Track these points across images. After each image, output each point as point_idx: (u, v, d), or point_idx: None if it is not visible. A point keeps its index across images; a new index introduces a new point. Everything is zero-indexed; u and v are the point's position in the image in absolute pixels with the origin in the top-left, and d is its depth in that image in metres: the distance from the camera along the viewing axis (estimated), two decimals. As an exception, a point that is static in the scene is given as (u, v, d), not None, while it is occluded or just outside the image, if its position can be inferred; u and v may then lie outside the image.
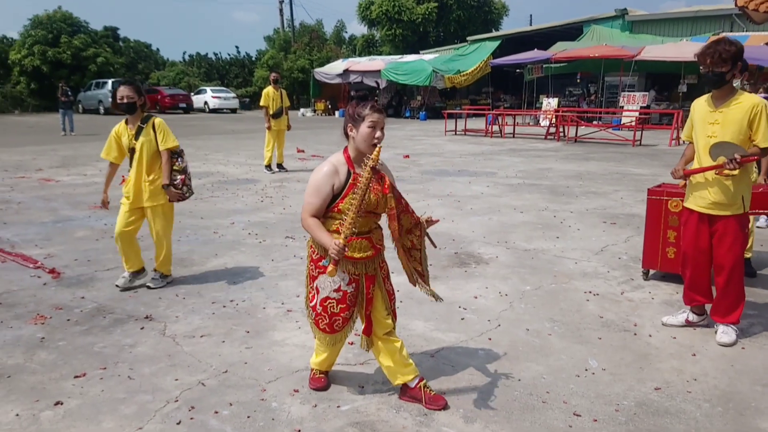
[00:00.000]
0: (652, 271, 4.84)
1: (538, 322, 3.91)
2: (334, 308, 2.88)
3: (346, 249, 2.67)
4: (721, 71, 3.48)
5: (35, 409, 2.89)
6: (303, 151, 14.10)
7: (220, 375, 3.23)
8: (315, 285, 2.91)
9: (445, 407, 2.89)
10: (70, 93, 20.15)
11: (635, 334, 3.75)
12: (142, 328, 3.83)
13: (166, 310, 4.15)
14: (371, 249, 2.90)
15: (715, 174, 3.59)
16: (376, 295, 2.95)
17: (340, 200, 2.78)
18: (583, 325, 3.87)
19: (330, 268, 2.62)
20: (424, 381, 2.97)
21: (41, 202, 7.94)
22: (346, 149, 2.90)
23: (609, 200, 8.01)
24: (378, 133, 2.78)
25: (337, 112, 32.91)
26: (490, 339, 3.65)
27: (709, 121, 3.60)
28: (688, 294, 3.87)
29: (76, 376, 3.20)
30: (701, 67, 3.57)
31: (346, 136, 2.88)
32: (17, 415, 2.83)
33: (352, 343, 3.59)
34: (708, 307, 3.85)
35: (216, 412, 2.85)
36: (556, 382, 3.14)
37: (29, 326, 3.87)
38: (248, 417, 2.82)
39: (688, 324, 3.88)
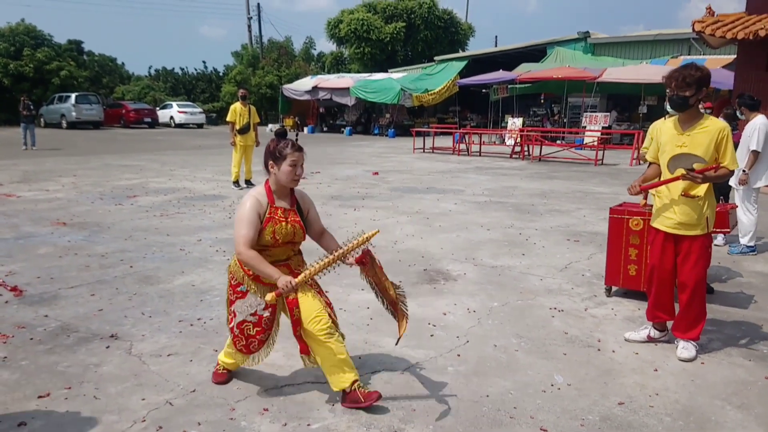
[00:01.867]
0: (614, 288, 4.97)
1: (505, 338, 3.98)
2: (250, 331, 3.08)
3: (295, 289, 2.93)
4: (685, 95, 3.62)
5: (-4, 431, 2.82)
6: (271, 168, 14.03)
7: (188, 394, 3.20)
8: (233, 309, 3.11)
9: (379, 398, 3.02)
10: (32, 107, 19.72)
11: (599, 350, 3.85)
12: (107, 347, 3.77)
13: (132, 329, 4.09)
14: (290, 275, 3.01)
15: (681, 195, 3.72)
16: (303, 304, 3.05)
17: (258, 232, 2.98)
18: (548, 341, 3.95)
19: (270, 296, 2.91)
20: (358, 382, 3.06)
21: (2, 218, 7.75)
22: (267, 182, 3.12)
23: (572, 218, 8.20)
24: (299, 170, 3.07)
25: (306, 128, 32.91)
26: (459, 355, 3.70)
27: (677, 144, 3.73)
28: (652, 311, 3.99)
29: (39, 396, 3.14)
30: (667, 90, 3.72)
31: (267, 171, 3.10)
32: (-23, 437, 2.76)
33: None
34: (670, 323, 3.98)
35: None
36: (523, 397, 3.20)
37: (-11, 346, 3.78)
38: (217, 436, 2.80)
39: (650, 340, 3.99)
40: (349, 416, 2.99)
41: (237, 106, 10.93)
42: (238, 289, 3.08)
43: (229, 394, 3.21)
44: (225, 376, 3.36)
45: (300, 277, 2.93)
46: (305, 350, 3.10)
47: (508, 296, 4.84)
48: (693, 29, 12.82)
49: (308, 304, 3.05)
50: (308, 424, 2.92)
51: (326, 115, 34.87)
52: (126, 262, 5.73)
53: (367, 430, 2.87)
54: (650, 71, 21.43)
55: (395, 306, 3.17)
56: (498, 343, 3.90)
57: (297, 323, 3.04)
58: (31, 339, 3.90)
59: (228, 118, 11.00)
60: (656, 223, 3.92)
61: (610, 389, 3.33)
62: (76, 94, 31.97)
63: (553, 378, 3.43)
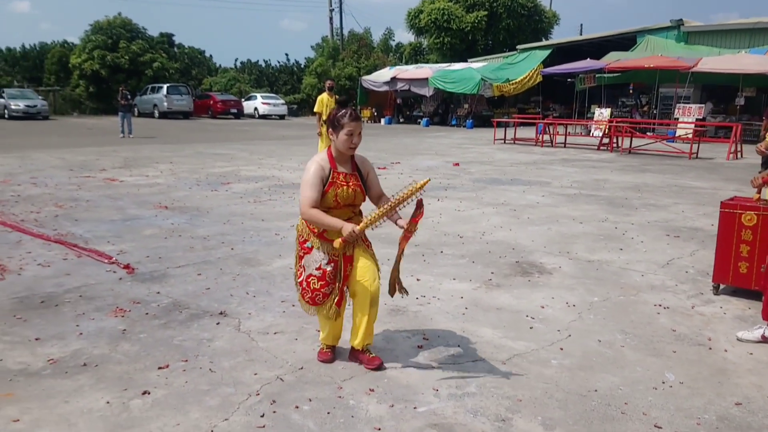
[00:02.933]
0: (722, 286, 4.73)
1: (610, 334, 3.87)
2: (315, 284, 3.29)
3: (359, 236, 3.19)
4: None
5: (124, 397, 3.01)
6: (354, 157, 14.22)
7: (296, 371, 3.31)
8: (301, 264, 3.35)
9: (380, 367, 3.33)
10: (129, 97, 20.86)
11: (710, 349, 3.68)
12: (217, 324, 3.96)
13: (238, 307, 4.27)
14: None
15: None
16: (358, 265, 3.32)
17: (322, 195, 3.22)
18: (655, 338, 3.82)
19: (337, 242, 3.15)
20: (370, 346, 3.45)
21: (108, 201, 8.25)
22: (329, 149, 3.32)
23: (670, 213, 7.85)
24: (355, 139, 3.20)
25: (383, 120, 33.09)
26: (561, 349, 3.63)
27: None
28: (766, 308, 3.78)
29: (159, 368, 3.33)
30: None
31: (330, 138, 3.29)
32: (108, 402, 2.96)
33: (420, 347, 3.63)
34: (788, 324, 3.75)
35: (297, 407, 2.93)
36: (634, 393, 3.11)
37: (110, 318, 4.04)
38: (328, 413, 2.88)
39: (765, 340, 3.78)
40: (454, 402, 3.00)
41: (324, 97, 11.13)
42: (305, 245, 3.32)
43: (335, 373, 3.29)
44: (329, 355, 3.47)
45: (362, 224, 3.16)
46: (340, 303, 3.37)
47: (608, 291, 4.70)
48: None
49: (366, 268, 3.32)
50: (414, 407, 2.96)
51: (403, 106, 34.91)
52: (227, 244, 5.98)
53: (473, 417, 2.88)
54: (749, 61, 20.18)
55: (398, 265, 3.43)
56: (602, 338, 3.80)
57: (346, 279, 3.33)
58: (147, 314, 4.14)
59: (315, 109, 11.22)
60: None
61: (725, 389, 3.18)
62: (168, 85, 33.53)
63: (664, 375, 3.31)
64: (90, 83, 37.36)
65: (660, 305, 4.42)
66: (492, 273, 5.17)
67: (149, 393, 3.05)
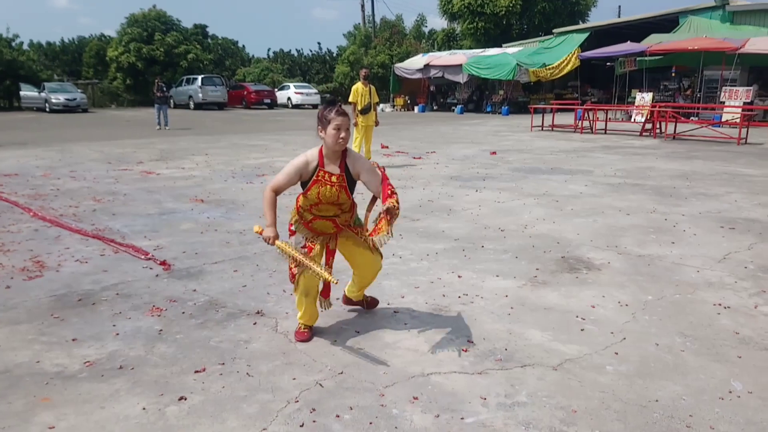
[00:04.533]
0: (786, 284, 4.42)
1: (668, 337, 3.63)
2: (291, 264, 3.53)
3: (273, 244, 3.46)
4: None
5: (160, 403, 2.92)
6: (387, 147, 14.07)
7: (336, 376, 3.17)
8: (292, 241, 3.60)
9: (374, 304, 4.07)
10: (165, 89, 21.04)
11: (778, 354, 3.42)
12: (254, 324, 3.85)
13: (275, 306, 4.16)
14: (333, 229, 3.54)
15: None
16: (350, 249, 3.66)
17: (306, 190, 3.37)
18: (718, 342, 3.56)
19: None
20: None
21: (145, 194, 8.26)
22: (321, 147, 3.39)
23: (722, 203, 7.48)
24: (342, 134, 3.27)
25: (416, 108, 32.77)
26: (616, 353, 3.41)
27: None
28: (842, 312, 3.49)
29: (196, 371, 3.23)
30: None
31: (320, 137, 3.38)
32: (144, 408, 2.87)
33: (465, 350, 3.46)
34: None
35: (337, 416, 2.79)
36: (698, 404, 2.88)
37: (147, 318, 3.97)
38: (370, 423, 2.74)
39: (840, 345, 3.50)
40: (504, 413, 2.83)
41: (359, 87, 10.95)
42: (291, 227, 3.62)
43: (376, 378, 3.14)
44: (306, 335, 3.61)
45: (278, 243, 3.42)
46: (326, 294, 3.67)
47: (663, 289, 4.44)
48: None
49: (366, 266, 3.72)
50: (462, 418, 2.79)
51: (437, 94, 34.51)
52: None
53: (525, 429, 2.70)
54: (802, 40, 19.25)
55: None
56: (660, 341, 3.56)
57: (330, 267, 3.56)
58: (183, 313, 4.06)
59: (350, 99, 11.04)
60: None
61: (799, 401, 2.93)
62: (202, 76, 33.83)
63: (731, 384, 3.07)
64: (127, 76, 37.92)
65: (720, 304, 4.15)
66: (537, 269, 4.95)
67: (185, 399, 2.96)
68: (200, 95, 32.67)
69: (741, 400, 2.92)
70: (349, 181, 3.40)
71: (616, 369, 3.23)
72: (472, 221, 6.63)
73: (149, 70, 36.51)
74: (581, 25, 33.21)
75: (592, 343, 3.56)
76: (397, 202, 3.28)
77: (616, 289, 4.46)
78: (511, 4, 37.30)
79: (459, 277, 4.76)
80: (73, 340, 3.62)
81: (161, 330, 3.78)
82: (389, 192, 3.29)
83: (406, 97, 34.35)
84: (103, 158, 12.20)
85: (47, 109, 30.46)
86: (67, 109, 30.44)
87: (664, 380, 3.11)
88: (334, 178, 3.34)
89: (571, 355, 3.40)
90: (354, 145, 11.00)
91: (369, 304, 4.06)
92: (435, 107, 33.55)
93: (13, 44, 36.02)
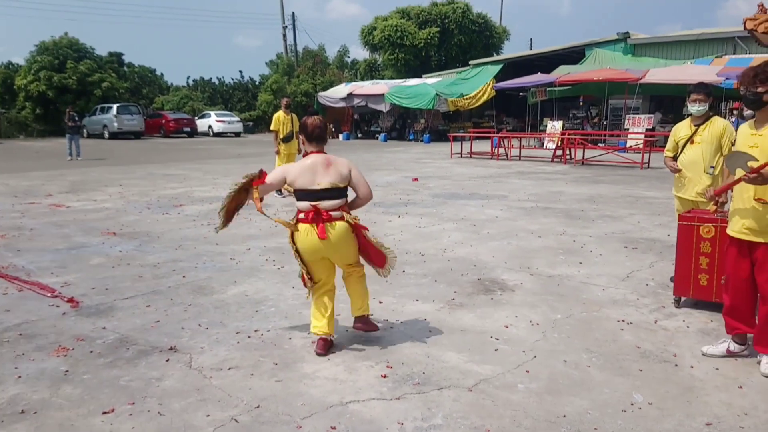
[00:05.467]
0: (683, 299, 4.73)
1: (575, 353, 3.80)
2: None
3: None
4: (757, 91, 3.45)
5: (64, 448, 2.77)
6: (311, 175, 14.04)
7: (252, 410, 3.12)
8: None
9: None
10: (77, 118, 20.21)
11: (676, 365, 3.64)
12: (167, 360, 3.73)
13: (190, 341, 4.05)
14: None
15: (754, 199, 3.52)
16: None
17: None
18: (621, 356, 3.76)
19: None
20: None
21: (53, 229, 7.86)
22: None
23: (626, 224, 7.93)
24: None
25: (341, 135, 33.00)
26: (527, 371, 3.54)
27: (749, 144, 3.55)
28: (729, 322, 3.77)
29: (104, 412, 3.09)
30: (741, 88, 3.55)
31: None
32: (46, 454, 2.72)
33: (384, 376, 3.48)
34: (750, 336, 3.75)
35: (253, 451, 2.74)
36: (603, 417, 3.02)
37: (52, 358, 3.77)
38: (287, 456, 2.71)
39: (729, 354, 3.77)
40: (420, 436, 2.87)
41: (280, 115, 10.95)
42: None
43: (293, 411, 3.11)
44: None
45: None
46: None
47: (571, 308, 4.65)
48: (744, 27, 12.33)
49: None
50: (379, 444, 2.80)
51: (361, 122, 34.91)
52: (178, 272, 5.72)
53: (441, 452, 2.74)
54: (695, 71, 20.83)
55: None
56: (568, 358, 3.72)
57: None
58: (91, 352, 3.88)
59: (272, 127, 11.02)
60: (728, 229, 3.73)
61: (694, 408, 3.13)
62: (118, 105, 32.70)
63: (632, 396, 3.24)
64: (37, 105, 36.09)
65: (623, 320, 4.38)
66: (455, 292, 5.07)
67: (92, 442, 2.82)
68: (115, 124, 31.54)
69: (642, 412, 3.09)
70: None
71: (527, 387, 3.35)
72: (394, 246, 6.64)
73: (61, 99, 34.90)
74: (496, 57, 34.68)
75: (505, 362, 3.67)
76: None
77: (528, 308, 4.64)
78: (429, 37, 38.48)
79: (380, 303, 4.81)
80: (-32, 386, 3.39)
81: (67, 371, 3.60)
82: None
83: (331, 126, 34.50)
84: (8, 192, 11.53)
85: (-54, 140, 28.50)
86: (-31, 139, 28.58)
87: (571, 396, 3.25)
88: None
89: (485, 375, 3.49)
90: (275, 174, 10.93)
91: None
92: (359, 135, 33.88)
93: None
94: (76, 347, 3.95)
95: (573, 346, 3.92)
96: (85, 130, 32.27)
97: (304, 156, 3.91)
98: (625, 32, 26.83)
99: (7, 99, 37.90)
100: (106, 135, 31.85)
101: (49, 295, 5.03)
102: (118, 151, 23.18)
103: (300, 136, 3.87)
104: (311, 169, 3.70)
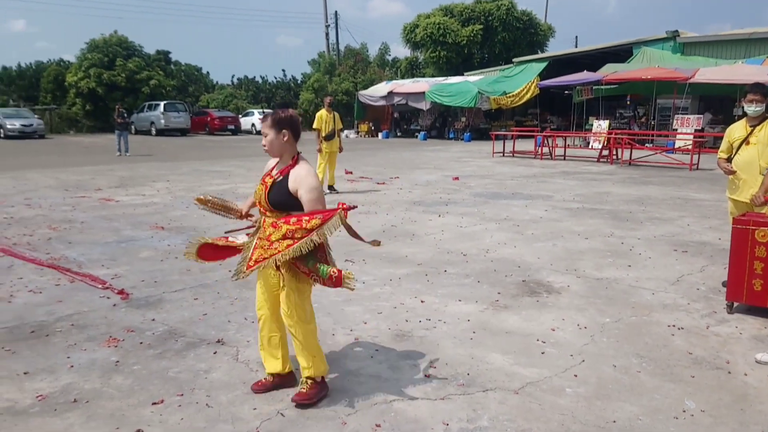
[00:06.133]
0: (736, 304, 4.57)
1: (625, 358, 3.71)
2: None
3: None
4: None
5: (116, 436, 2.84)
6: (351, 173, 14.12)
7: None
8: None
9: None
10: (126, 115, 20.76)
11: (729, 373, 3.52)
12: (215, 353, 3.79)
13: (237, 334, 4.10)
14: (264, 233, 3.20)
15: None
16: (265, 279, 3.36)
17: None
18: (672, 362, 3.66)
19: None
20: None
21: (103, 222, 8.09)
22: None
23: (676, 227, 7.71)
24: (263, 140, 3.17)
25: (380, 134, 33.05)
26: (576, 375, 3.47)
27: None
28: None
29: (153, 403, 3.16)
30: None
31: None
32: (99, 442, 2.79)
33: (428, 376, 3.46)
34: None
35: (299, 446, 2.76)
36: (654, 424, 2.94)
37: (103, 349, 3.87)
38: (332, 452, 2.72)
39: (786, 363, 3.62)
40: (466, 437, 2.84)
41: (323, 114, 11.01)
42: None
43: (339, 407, 3.12)
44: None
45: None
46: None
47: (620, 311, 4.54)
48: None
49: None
50: (424, 444, 2.79)
51: (400, 120, 34.90)
52: (224, 266, 5.75)
53: (487, 454, 2.71)
54: (746, 71, 20.14)
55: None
56: (617, 363, 3.64)
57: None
58: (141, 343, 3.97)
59: (314, 125, 11.09)
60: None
61: (748, 417, 3.02)
62: (165, 102, 33.50)
63: (684, 403, 3.15)
64: (86, 101, 37.25)
65: (674, 326, 4.26)
66: (499, 293, 5.01)
67: (142, 431, 2.88)
68: (162, 121, 32.32)
69: (694, 419, 3.00)
70: (281, 190, 3.08)
71: (576, 391, 3.28)
72: (434, 246, 6.68)
73: (110, 96, 35.95)
74: (540, 55, 34.15)
75: (552, 365, 3.61)
76: (290, 225, 2.93)
77: (576, 312, 4.55)
78: (472, 34, 38.20)
79: (422, 302, 4.79)
80: (25, 373, 3.51)
81: (118, 361, 3.69)
82: (304, 217, 2.93)
83: (370, 124, 34.63)
84: (59, 185, 11.92)
85: (2, 135, 29.66)
86: (23, 135, 29.68)
87: (621, 401, 3.17)
88: (267, 179, 3.15)
89: (531, 379, 3.44)
90: (318, 171, 11.01)
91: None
92: (398, 133, 33.87)
93: (-33, 69, 35.19)
94: (126, 338, 4.05)
95: (622, 350, 3.82)
96: (133, 127, 33.14)
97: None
98: (674, 30, 26.07)
99: (58, 95, 39.24)
100: (153, 132, 32.66)
101: (100, 286, 5.17)
102: (165, 148, 23.73)
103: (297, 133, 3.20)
104: None
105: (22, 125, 29.82)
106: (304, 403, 3.10)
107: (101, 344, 3.94)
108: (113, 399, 3.21)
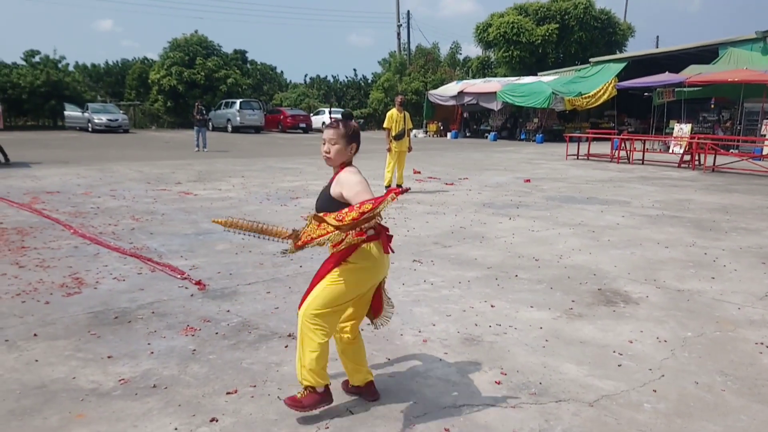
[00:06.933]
0: (834, 324, 4.26)
1: (707, 375, 3.52)
2: None
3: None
4: None
5: (192, 424, 2.93)
6: (420, 172, 14.10)
7: (367, 404, 3.15)
8: None
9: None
10: (204, 112, 21.53)
11: (826, 398, 3.28)
12: (286, 347, 3.86)
13: (307, 331, 4.16)
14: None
15: None
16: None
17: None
18: (760, 382, 3.44)
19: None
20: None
21: (182, 215, 8.41)
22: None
23: (764, 238, 7.27)
24: (325, 147, 3.08)
25: (449, 134, 32.85)
26: (654, 390, 3.32)
27: None
28: None
29: (228, 393, 3.24)
30: None
31: None
32: (176, 429, 2.89)
33: (498, 382, 3.40)
34: None
35: (368, 446, 2.77)
36: (742, 448, 2.78)
37: (181, 337, 4.01)
38: (401, 454, 2.71)
39: None
40: (538, 448, 2.77)
41: (393, 113, 11.03)
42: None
43: (407, 408, 3.11)
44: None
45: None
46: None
47: (703, 326, 4.31)
48: None
49: None
50: (494, 452, 2.74)
51: (470, 120, 34.57)
52: (296, 261, 5.92)
53: (559, 466, 2.63)
54: None
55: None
56: (700, 379, 3.45)
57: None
58: (216, 333, 4.10)
59: (385, 125, 11.13)
60: None
61: None
62: (241, 100, 34.53)
63: (775, 428, 2.95)
64: (168, 98, 38.89)
65: (762, 343, 4.01)
66: (573, 301, 4.86)
67: (217, 420, 2.97)
68: (238, 119, 33.35)
69: (787, 446, 2.81)
70: (324, 196, 3.10)
71: (654, 407, 3.14)
72: (505, 249, 6.57)
73: (189, 93, 37.41)
74: (618, 55, 33.01)
75: (629, 379, 3.47)
76: (335, 221, 2.74)
77: (655, 324, 4.35)
78: (547, 34, 37.35)
79: (492, 306, 4.71)
80: (109, 357, 3.68)
81: (195, 350, 3.81)
82: (343, 211, 2.74)
83: (440, 124, 34.50)
84: (142, 178, 12.49)
85: (90, 129, 31.41)
86: (109, 129, 31.34)
87: (703, 420, 3.01)
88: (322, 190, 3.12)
89: (607, 391, 3.31)
90: (387, 170, 11.06)
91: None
92: (468, 134, 33.57)
93: (60, 65, 37.40)
94: (203, 328, 4.18)
95: (705, 367, 3.63)
96: (210, 124, 34.34)
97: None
98: (765, 31, 24.56)
99: (141, 92, 41.16)
100: (229, 128, 33.74)
101: (179, 276, 5.38)
102: (240, 144, 24.46)
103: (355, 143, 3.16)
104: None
105: (109, 120, 31.48)
106: (293, 408, 2.97)
107: (179, 332, 4.09)
108: (190, 386, 3.32)
